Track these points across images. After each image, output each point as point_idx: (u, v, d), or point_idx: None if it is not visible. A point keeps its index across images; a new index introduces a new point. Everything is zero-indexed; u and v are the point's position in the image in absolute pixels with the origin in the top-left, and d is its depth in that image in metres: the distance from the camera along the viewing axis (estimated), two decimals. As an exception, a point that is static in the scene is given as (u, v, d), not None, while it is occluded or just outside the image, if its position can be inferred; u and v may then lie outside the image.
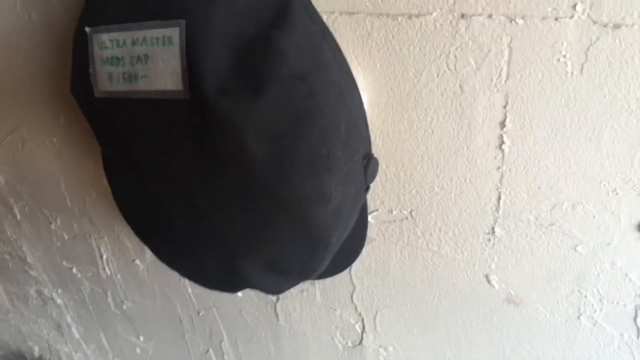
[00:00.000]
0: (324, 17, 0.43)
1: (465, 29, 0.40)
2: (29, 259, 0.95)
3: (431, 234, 0.50)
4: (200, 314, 0.77)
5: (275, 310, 0.67)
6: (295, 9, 0.38)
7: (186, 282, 0.74)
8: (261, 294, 0.67)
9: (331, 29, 0.43)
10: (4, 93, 0.68)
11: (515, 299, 0.50)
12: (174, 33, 0.36)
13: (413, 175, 0.48)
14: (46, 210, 0.81)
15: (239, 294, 0.68)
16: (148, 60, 0.38)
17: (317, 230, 0.40)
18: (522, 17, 0.38)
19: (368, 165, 0.44)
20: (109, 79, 0.40)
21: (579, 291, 0.47)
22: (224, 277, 0.46)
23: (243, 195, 0.39)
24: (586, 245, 0.44)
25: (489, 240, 0.48)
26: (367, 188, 0.46)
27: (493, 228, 0.47)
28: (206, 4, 0.35)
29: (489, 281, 0.50)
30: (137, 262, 0.77)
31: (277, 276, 0.45)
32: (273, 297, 0.66)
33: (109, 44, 0.40)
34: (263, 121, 0.35)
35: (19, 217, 0.87)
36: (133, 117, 0.40)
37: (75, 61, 0.43)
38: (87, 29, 0.40)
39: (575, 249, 0.45)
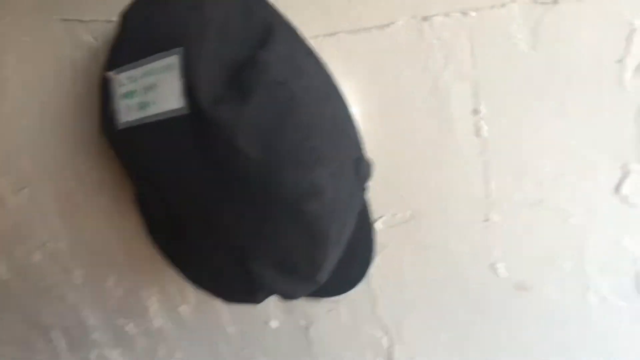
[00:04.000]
0: (312, 42, 0.49)
1: (430, 30, 0.45)
2: (90, 322, 1.01)
3: (435, 231, 0.53)
4: (243, 352, 0.80)
5: (307, 337, 0.69)
6: (277, 29, 0.45)
7: (224, 320, 0.78)
8: (292, 322, 0.69)
9: (319, 52, 0.49)
10: (49, 154, 0.75)
11: (524, 285, 0.51)
12: (175, 59, 0.43)
13: (410, 175, 0.51)
14: (102, 270, 0.87)
15: (273, 325, 0.71)
16: (156, 87, 0.44)
17: (314, 222, 0.44)
18: (475, 10, 0.43)
19: (359, 165, 0.48)
20: (127, 111, 0.47)
21: (581, 266, 0.48)
22: (240, 283, 0.50)
23: (244, 193, 0.43)
24: (577, 217, 0.46)
25: (487, 227, 0.50)
26: (364, 189, 0.50)
27: (488, 215, 0.49)
28: (199, 32, 0.42)
29: (495, 270, 0.52)
30: (183, 307, 0.81)
31: (288, 276, 0.49)
32: (303, 323, 0.68)
33: (125, 81, 0.47)
34: (251, 122, 0.41)
35: (79, 281, 0.93)
36: (148, 140, 0.46)
37: (102, 104, 0.51)
38: (109, 74, 0.48)
39: (567, 221, 0.46)
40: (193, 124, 0.43)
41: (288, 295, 0.51)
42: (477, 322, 0.56)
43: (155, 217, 0.55)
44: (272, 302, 0.67)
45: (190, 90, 0.42)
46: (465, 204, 0.50)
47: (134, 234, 0.76)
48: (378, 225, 0.55)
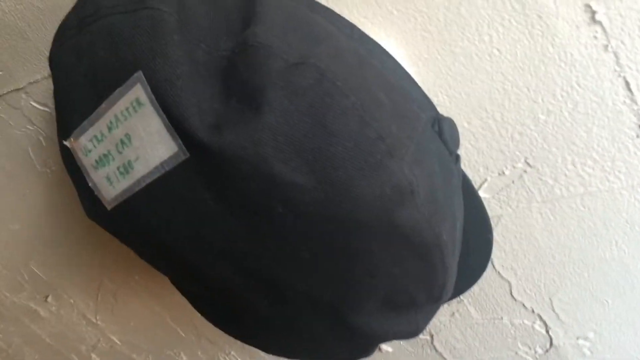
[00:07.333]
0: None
1: None
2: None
3: (566, 175, 0.38)
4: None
5: (435, 350, 0.56)
6: None
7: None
8: (412, 342, 0.56)
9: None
10: (80, 254, 0.65)
11: None
12: (139, 91, 0.29)
13: (504, 115, 0.36)
14: (168, 351, 0.76)
15: (389, 348, 0.58)
16: (132, 138, 0.31)
17: (417, 234, 0.30)
18: None
19: (442, 130, 0.33)
20: (108, 184, 0.33)
21: None
22: (346, 344, 0.37)
23: (306, 235, 0.29)
24: None
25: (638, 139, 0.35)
26: (457, 157, 0.36)
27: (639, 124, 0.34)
28: (154, 40, 0.28)
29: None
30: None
31: (405, 313, 0.35)
32: (427, 336, 0.55)
33: (90, 145, 0.33)
34: (280, 136, 0.26)
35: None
36: (151, 212, 0.33)
37: (75, 183, 0.37)
38: (65, 142, 0.34)
39: None
40: (200, 168, 0.29)
41: (410, 334, 0.38)
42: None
43: (193, 293, 0.42)
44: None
45: (178, 124, 0.28)
46: (601, 123, 0.35)
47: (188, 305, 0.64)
48: (482, 195, 0.41)
